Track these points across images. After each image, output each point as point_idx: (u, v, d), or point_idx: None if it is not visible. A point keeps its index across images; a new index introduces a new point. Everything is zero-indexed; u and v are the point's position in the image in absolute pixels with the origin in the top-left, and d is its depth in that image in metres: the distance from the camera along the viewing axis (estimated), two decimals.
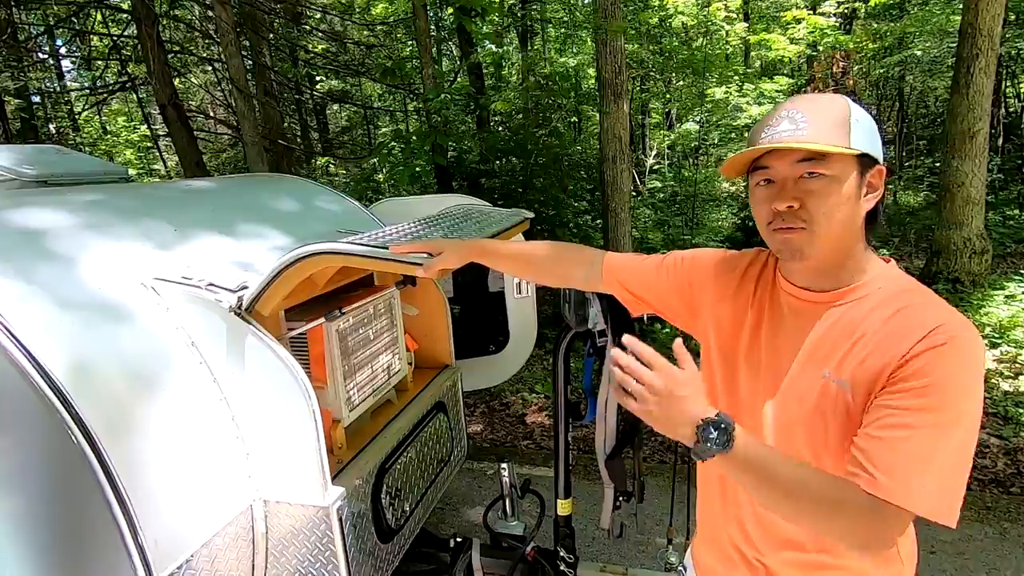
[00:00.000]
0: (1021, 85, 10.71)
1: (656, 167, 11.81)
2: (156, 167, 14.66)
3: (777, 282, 0.99)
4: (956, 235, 5.77)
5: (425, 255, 1.26)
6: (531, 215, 2.04)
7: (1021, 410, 3.69)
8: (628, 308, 1.22)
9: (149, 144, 14.12)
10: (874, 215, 0.90)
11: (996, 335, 4.75)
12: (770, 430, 0.96)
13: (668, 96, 10.72)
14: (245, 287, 1.46)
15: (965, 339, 0.80)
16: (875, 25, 11.16)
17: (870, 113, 0.92)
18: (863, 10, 11.42)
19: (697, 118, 10.50)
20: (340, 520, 1.52)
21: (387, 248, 1.29)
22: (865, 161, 0.87)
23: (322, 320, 1.56)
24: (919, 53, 10.00)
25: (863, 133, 0.86)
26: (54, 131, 12.12)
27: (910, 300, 0.87)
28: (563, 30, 11.78)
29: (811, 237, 0.87)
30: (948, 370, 0.79)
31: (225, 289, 1.45)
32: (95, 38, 10.20)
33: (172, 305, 1.47)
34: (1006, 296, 5.46)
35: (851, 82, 12.05)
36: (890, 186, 10.25)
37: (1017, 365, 4.33)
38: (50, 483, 1.23)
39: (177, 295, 1.47)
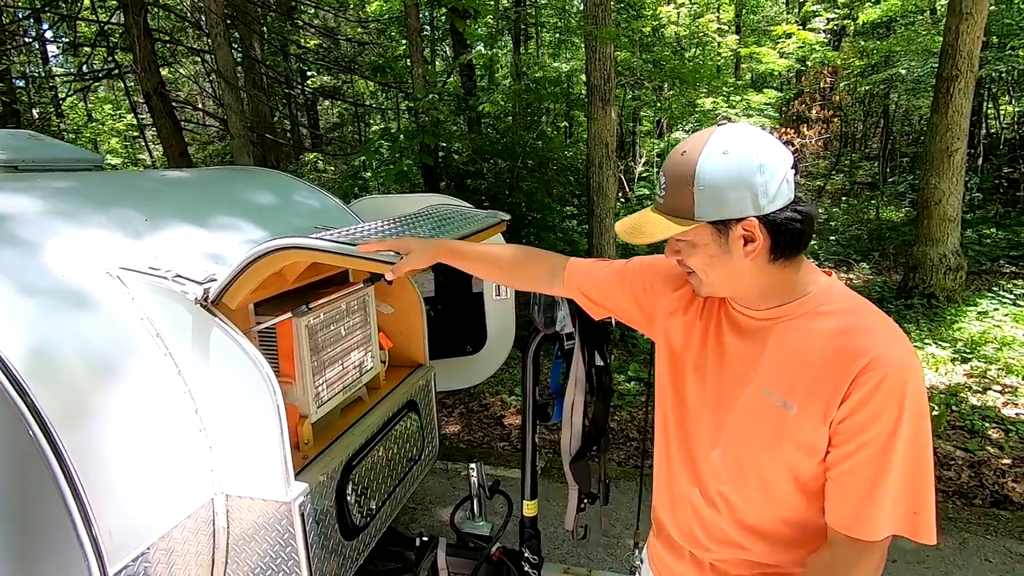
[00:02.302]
0: (1003, 106, 10.96)
1: (645, 174, 11.90)
2: (142, 157, 14.46)
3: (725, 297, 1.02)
4: (932, 251, 5.90)
5: (393, 254, 1.26)
6: (508, 217, 2.05)
7: (987, 424, 3.77)
8: (588, 312, 1.25)
9: (135, 133, 13.94)
10: (787, 244, 0.88)
11: (967, 350, 4.85)
12: (713, 437, 1.01)
13: (659, 104, 10.82)
14: (213, 279, 1.45)
15: (896, 376, 0.84)
16: (862, 43, 11.38)
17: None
18: (852, 28, 11.63)
19: (687, 127, 10.60)
20: (302, 516, 1.52)
21: (355, 246, 1.30)
22: (721, 223, 0.88)
23: (288, 315, 1.56)
24: (904, 72, 10.20)
25: (708, 198, 0.86)
26: (37, 116, 11.90)
27: (849, 323, 0.89)
28: (557, 35, 11.84)
29: (699, 284, 0.97)
30: (884, 409, 0.84)
31: (192, 281, 1.45)
32: (82, 23, 10.05)
33: (138, 295, 1.46)
34: (979, 312, 5.58)
35: (837, 98, 12.27)
36: (872, 201, 10.43)
37: (986, 380, 4.42)
38: (5, 472, 1.22)
39: (143, 285, 1.46)
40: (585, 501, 1.72)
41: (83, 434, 1.23)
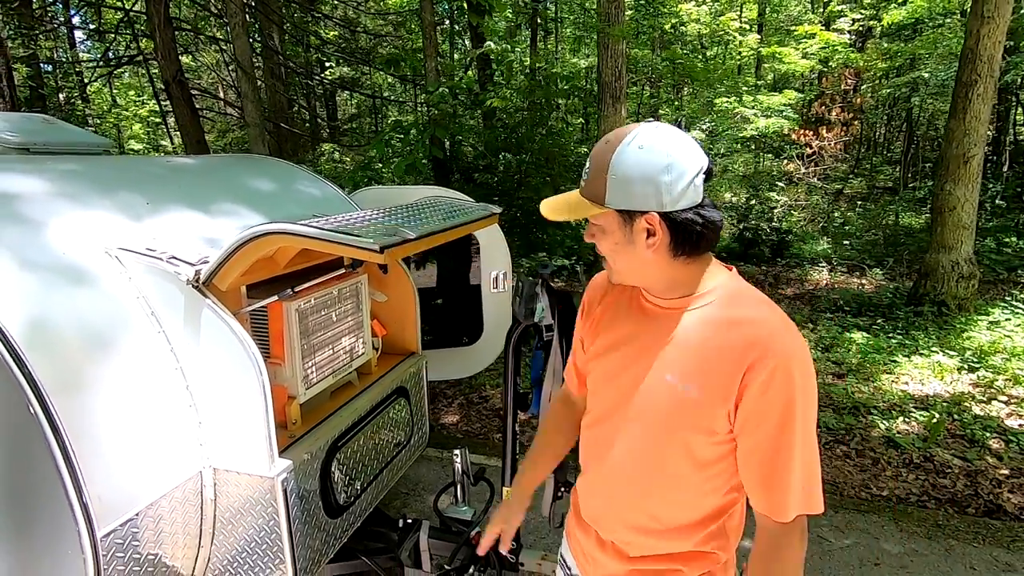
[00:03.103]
0: None
1: None
2: (163, 143, 14.74)
3: (639, 289, 1.10)
4: (945, 258, 5.81)
5: (371, 240, 1.31)
6: (499, 210, 2.08)
7: (988, 434, 3.73)
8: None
9: (158, 120, 14.19)
10: (687, 242, 0.95)
11: (975, 360, 4.78)
12: (618, 422, 1.08)
13: (676, 104, 10.75)
14: (205, 261, 1.52)
15: (784, 366, 0.92)
16: (886, 45, 11.16)
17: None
18: (878, 29, 11.41)
19: (704, 127, 10.51)
20: (285, 492, 1.58)
21: (338, 232, 1.35)
22: (627, 212, 0.94)
23: (274, 298, 1.62)
24: (927, 75, 10.00)
25: (618, 188, 0.93)
26: (63, 101, 12.18)
27: (744, 314, 0.97)
28: (575, 31, 11.81)
29: (610, 270, 1.05)
30: (778, 399, 0.92)
31: (185, 262, 1.51)
32: (108, 10, 10.25)
33: (135, 275, 1.53)
34: (990, 322, 5.49)
35: (859, 100, 12.06)
36: (891, 206, 10.26)
37: (992, 390, 4.36)
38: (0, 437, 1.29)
39: (140, 265, 1.53)
40: (562, 489, 1.76)
41: (77, 403, 1.30)
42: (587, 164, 0.99)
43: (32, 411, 1.22)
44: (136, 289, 1.53)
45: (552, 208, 1.03)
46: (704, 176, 0.93)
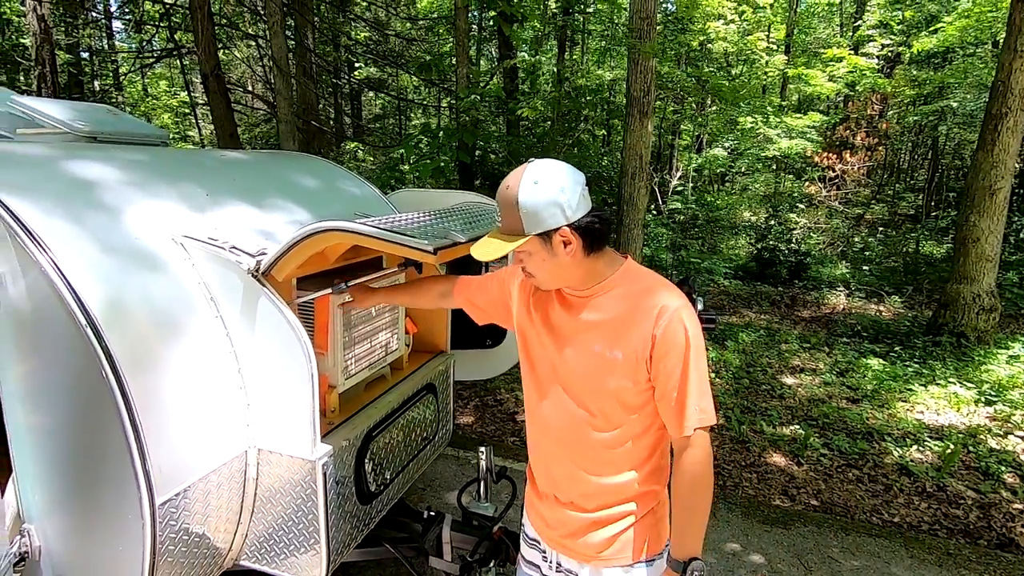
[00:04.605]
0: None
1: (679, 188, 11.87)
2: (191, 134, 15.05)
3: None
4: (966, 290, 5.79)
5: (427, 241, 1.40)
6: None
7: (1004, 468, 3.72)
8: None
9: (187, 111, 14.51)
10: (594, 240, 1.21)
11: (993, 393, 4.76)
12: (556, 392, 1.31)
13: (700, 120, 10.80)
14: (264, 253, 1.61)
15: (677, 316, 1.19)
16: (915, 72, 11.13)
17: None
18: (907, 56, 11.38)
19: (726, 144, 10.55)
20: (324, 475, 1.66)
21: (396, 232, 1.43)
22: (544, 234, 1.18)
23: (329, 291, 1.71)
24: (955, 104, 9.95)
25: (530, 218, 1.17)
26: (98, 89, 12.51)
27: (639, 287, 1.24)
28: (603, 43, 11.91)
29: (539, 282, 1.29)
30: (676, 341, 1.19)
31: (246, 253, 1.60)
32: (147, 3, 10.53)
33: (197, 262, 1.63)
34: (1009, 356, 5.45)
35: (884, 126, 12.02)
36: (913, 234, 10.19)
37: (1009, 424, 4.34)
38: (74, 404, 1.39)
39: (202, 253, 1.63)
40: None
41: (145, 379, 1.39)
42: (497, 208, 1.22)
43: (108, 385, 1.31)
44: (198, 275, 1.62)
45: (485, 252, 1.22)
46: (585, 186, 1.20)
